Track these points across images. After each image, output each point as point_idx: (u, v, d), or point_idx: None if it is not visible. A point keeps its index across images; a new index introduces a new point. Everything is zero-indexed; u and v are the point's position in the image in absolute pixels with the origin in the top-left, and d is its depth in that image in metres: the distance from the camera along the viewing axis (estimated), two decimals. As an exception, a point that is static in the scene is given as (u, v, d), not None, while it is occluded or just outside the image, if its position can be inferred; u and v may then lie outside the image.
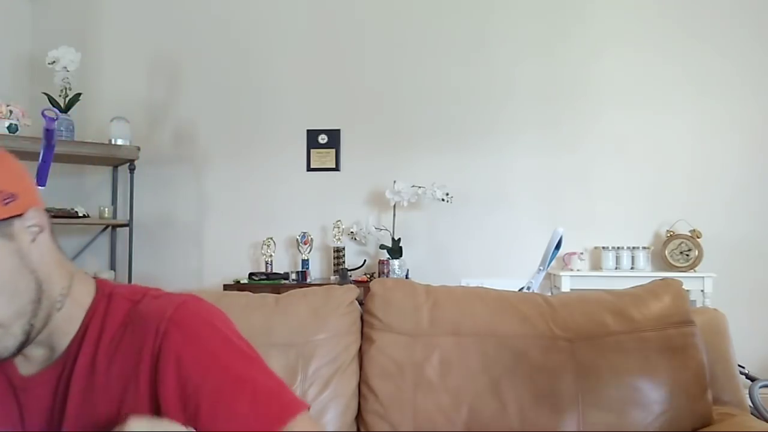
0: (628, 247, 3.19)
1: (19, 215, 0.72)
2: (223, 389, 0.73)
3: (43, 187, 2.01)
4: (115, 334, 0.78)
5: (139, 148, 3.23)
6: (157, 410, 0.73)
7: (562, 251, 2.09)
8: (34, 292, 0.73)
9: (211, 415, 0.72)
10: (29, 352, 0.76)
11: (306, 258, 3.34)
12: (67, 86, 3.12)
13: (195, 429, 0.71)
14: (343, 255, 3.33)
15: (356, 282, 3.16)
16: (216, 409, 0.72)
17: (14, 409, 0.76)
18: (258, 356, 0.80)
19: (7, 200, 0.71)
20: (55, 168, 2.23)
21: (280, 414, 0.74)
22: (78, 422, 0.74)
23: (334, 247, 3.33)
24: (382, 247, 3.29)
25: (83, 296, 0.80)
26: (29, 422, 0.76)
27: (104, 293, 0.82)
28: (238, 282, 3.24)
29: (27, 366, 0.78)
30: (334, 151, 3.48)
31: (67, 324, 0.78)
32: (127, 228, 3.23)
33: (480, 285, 1.43)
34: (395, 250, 3.25)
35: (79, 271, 0.82)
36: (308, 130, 3.49)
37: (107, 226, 3.45)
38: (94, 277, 0.84)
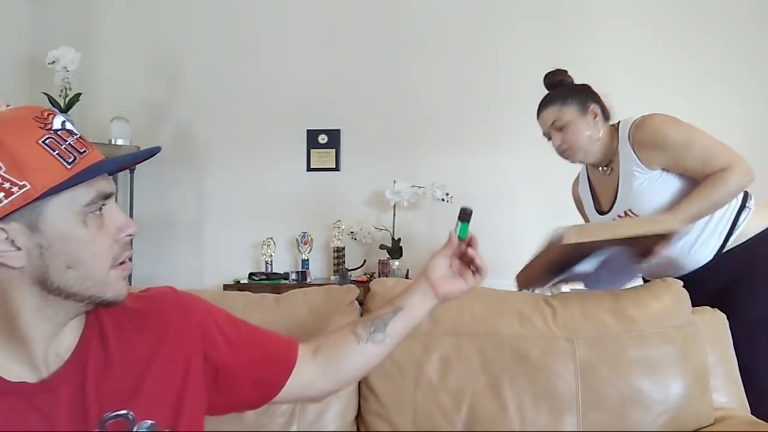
0: (628, 247, 3.18)
1: None
2: (250, 328, 0.91)
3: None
4: (120, 326, 0.80)
5: (139, 148, 3.23)
6: (215, 371, 0.85)
7: (562, 251, 2.09)
8: None
9: (248, 341, 0.89)
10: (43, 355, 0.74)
11: (306, 258, 3.34)
12: (67, 86, 3.12)
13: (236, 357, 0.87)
14: (343, 255, 3.33)
15: (356, 282, 3.16)
16: (253, 335, 0.91)
17: (32, 415, 0.71)
18: None
19: None
20: (55, 168, 2.22)
21: (291, 340, 0.95)
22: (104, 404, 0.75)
23: (334, 247, 3.33)
24: (382, 247, 3.29)
25: None
26: (59, 423, 0.72)
27: None
28: (238, 282, 3.24)
29: (31, 373, 0.73)
30: (334, 151, 3.48)
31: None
32: (127, 228, 3.22)
33: (480, 285, 1.43)
34: (395, 250, 3.25)
35: None
36: (308, 130, 3.48)
37: (107, 226, 3.44)
38: None
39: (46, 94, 3.10)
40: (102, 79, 3.50)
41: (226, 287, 3.16)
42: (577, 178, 1.92)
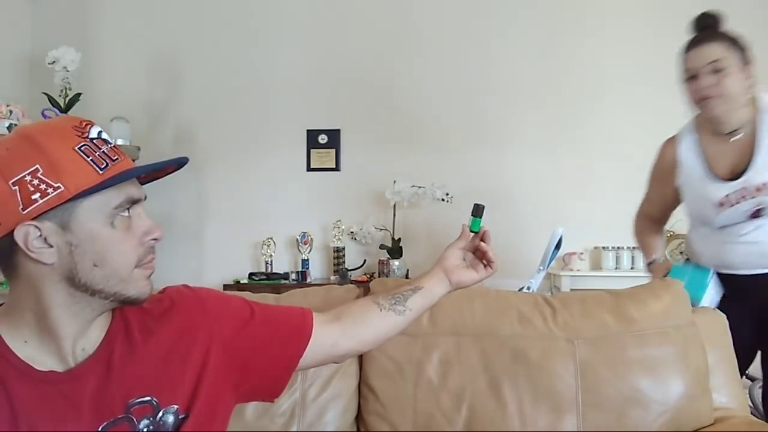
0: (628, 247, 3.18)
1: None
2: (264, 308, 0.94)
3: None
4: (143, 321, 0.84)
5: (139, 148, 3.23)
6: (234, 354, 0.88)
7: (562, 251, 2.08)
8: None
9: (263, 321, 0.92)
10: (71, 343, 0.77)
11: (306, 258, 3.34)
12: (67, 86, 3.12)
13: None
14: (343, 255, 3.33)
15: (356, 282, 3.16)
16: (268, 314, 0.94)
17: (60, 401, 0.76)
18: None
19: None
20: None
21: (305, 310, 0.97)
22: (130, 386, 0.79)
23: (334, 247, 3.33)
24: (382, 247, 3.29)
25: None
26: (84, 408, 0.76)
27: None
28: (238, 282, 3.24)
29: (59, 364, 0.77)
30: (334, 151, 3.48)
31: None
32: (127, 228, 3.22)
33: (480, 285, 1.43)
34: (395, 250, 3.25)
35: None
36: (308, 130, 3.48)
37: (107, 226, 3.44)
38: None
39: (46, 94, 3.10)
40: (102, 79, 3.50)
41: (226, 287, 3.16)
42: (673, 139, 1.75)
